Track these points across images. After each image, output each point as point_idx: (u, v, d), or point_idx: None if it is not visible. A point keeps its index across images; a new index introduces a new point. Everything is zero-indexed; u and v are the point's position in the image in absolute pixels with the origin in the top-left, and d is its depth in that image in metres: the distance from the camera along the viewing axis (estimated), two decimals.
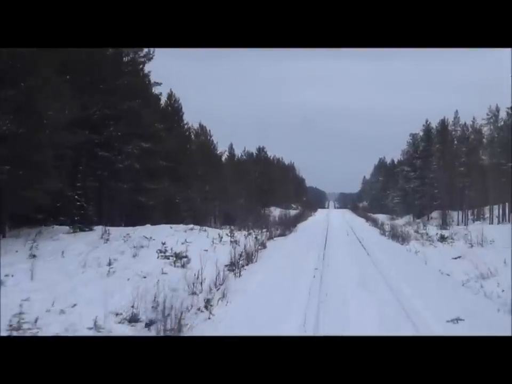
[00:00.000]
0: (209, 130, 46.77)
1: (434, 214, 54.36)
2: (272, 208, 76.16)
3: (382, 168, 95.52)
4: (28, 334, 6.13)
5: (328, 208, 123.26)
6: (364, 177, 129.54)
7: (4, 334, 5.95)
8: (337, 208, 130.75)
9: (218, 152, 47.58)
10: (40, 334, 6.18)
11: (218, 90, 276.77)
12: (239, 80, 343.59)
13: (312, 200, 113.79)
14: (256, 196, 57.63)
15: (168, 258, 13.53)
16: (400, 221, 61.02)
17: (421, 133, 58.84)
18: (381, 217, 62.67)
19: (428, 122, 57.81)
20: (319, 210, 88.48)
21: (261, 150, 75.11)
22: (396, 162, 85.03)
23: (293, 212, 68.82)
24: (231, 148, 60.27)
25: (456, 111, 53.61)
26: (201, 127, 47.36)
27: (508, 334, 6.67)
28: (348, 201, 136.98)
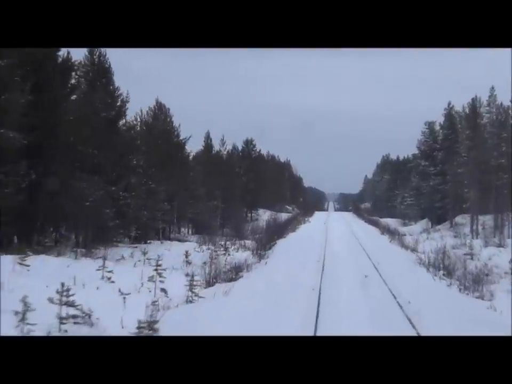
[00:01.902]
0: (169, 110, 33.75)
1: (460, 219, 41.46)
2: (261, 211, 63.35)
3: (387, 165, 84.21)
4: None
5: (327, 210, 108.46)
6: (366, 176, 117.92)
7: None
8: (338, 210, 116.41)
9: (181, 138, 34.07)
10: None
11: (218, 89, 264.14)
12: (237, 79, 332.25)
13: (310, 201, 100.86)
14: (240, 197, 44.80)
15: None
16: (415, 227, 47.75)
17: (441, 120, 45.73)
18: (390, 221, 49.64)
19: (451, 106, 44.56)
20: (316, 213, 72.13)
21: (248, 143, 61.81)
22: (400, 159, 72.32)
23: (285, 216, 55.55)
24: (208, 138, 46.96)
25: (492, 87, 40.34)
26: (160, 105, 34.03)
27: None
28: (348, 202, 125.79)
